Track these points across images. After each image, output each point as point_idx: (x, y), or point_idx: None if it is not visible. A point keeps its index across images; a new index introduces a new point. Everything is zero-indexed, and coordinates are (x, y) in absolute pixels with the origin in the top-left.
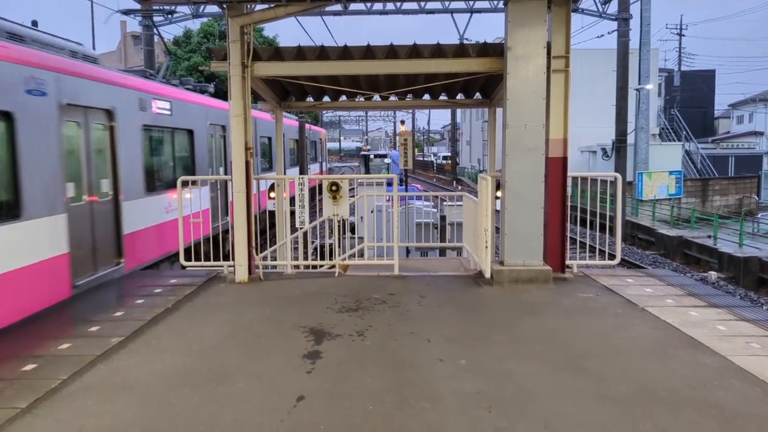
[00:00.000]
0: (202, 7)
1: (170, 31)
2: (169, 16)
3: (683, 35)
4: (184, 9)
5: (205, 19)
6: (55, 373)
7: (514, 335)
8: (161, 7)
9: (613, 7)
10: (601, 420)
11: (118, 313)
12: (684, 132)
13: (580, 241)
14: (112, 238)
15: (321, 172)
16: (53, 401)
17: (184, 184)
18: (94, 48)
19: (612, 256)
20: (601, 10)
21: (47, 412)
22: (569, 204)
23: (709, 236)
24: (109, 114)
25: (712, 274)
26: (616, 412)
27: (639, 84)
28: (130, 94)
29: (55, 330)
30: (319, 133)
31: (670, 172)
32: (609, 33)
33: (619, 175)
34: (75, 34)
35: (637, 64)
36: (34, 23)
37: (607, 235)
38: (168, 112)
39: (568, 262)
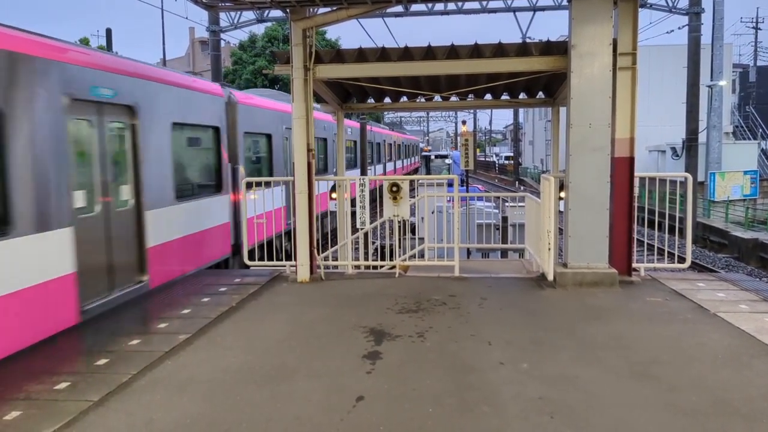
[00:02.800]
0: (267, 11)
1: (236, 36)
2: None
3: (759, 29)
4: (249, 14)
5: (269, 24)
6: (125, 367)
7: (578, 340)
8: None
9: (683, 2)
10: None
11: (186, 311)
12: (760, 130)
13: (648, 244)
14: None
15: (413, 164)
16: (124, 395)
17: (249, 185)
18: (164, 54)
19: (682, 259)
20: (671, 4)
21: (118, 406)
22: (636, 205)
23: None
24: None
25: None
26: (687, 423)
27: (711, 80)
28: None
29: (127, 326)
30: (414, 140)
31: (745, 172)
32: (680, 28)
33: (689, 176)
34: (146, 40)
35: (710, 60)
36: (108, 31)
37: (677, 237)
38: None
39: (635, 264)
